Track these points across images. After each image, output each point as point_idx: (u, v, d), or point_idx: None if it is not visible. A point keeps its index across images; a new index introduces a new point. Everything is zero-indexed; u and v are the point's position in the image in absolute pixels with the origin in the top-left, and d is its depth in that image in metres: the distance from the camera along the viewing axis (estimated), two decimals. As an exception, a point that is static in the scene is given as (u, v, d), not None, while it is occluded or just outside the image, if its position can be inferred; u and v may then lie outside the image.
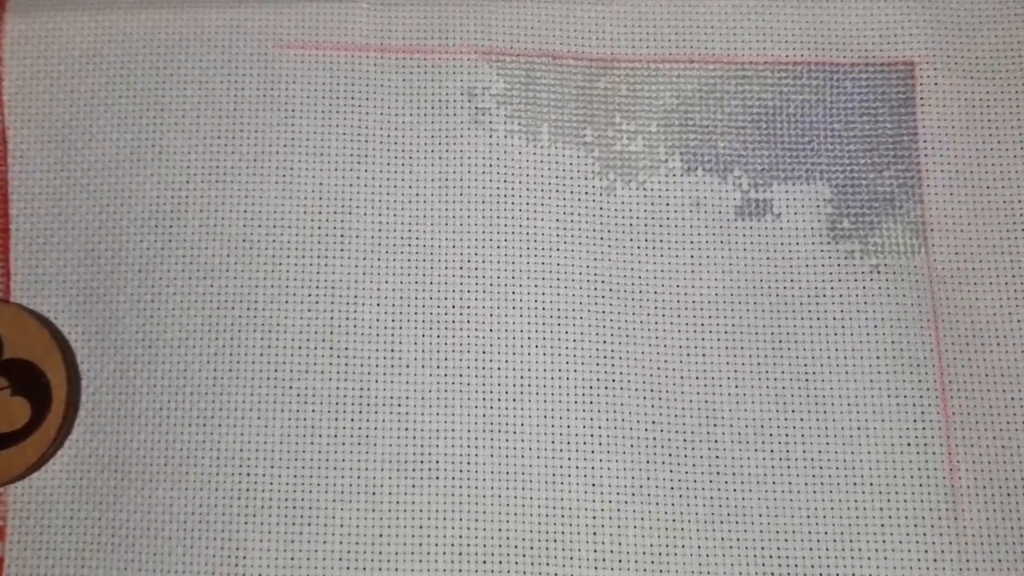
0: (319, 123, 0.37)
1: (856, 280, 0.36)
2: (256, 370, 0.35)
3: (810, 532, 0.34)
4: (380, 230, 0.36)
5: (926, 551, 0.33)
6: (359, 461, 0.34)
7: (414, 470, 0.34)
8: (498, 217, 0.36)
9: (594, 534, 0.34)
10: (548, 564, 0.34)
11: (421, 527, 0.34)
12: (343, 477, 0.34)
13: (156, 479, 0.34)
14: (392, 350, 0.35)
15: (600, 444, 0.34)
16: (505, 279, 0.36)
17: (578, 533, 0.34)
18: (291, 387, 0.35)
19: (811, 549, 0.34)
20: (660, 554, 0.34)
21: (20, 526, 0.35)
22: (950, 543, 0.33)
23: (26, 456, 0.34)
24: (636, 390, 0.35)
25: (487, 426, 0.35)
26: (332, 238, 0.36)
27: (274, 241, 0.36)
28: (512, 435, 0.35)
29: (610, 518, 0.34)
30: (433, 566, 0.34)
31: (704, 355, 0.35)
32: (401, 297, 0.36)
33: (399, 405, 0.35)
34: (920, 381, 0.35)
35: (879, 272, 0.36)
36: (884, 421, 0.34)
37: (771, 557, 0.34)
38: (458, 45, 0.38)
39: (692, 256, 0.36)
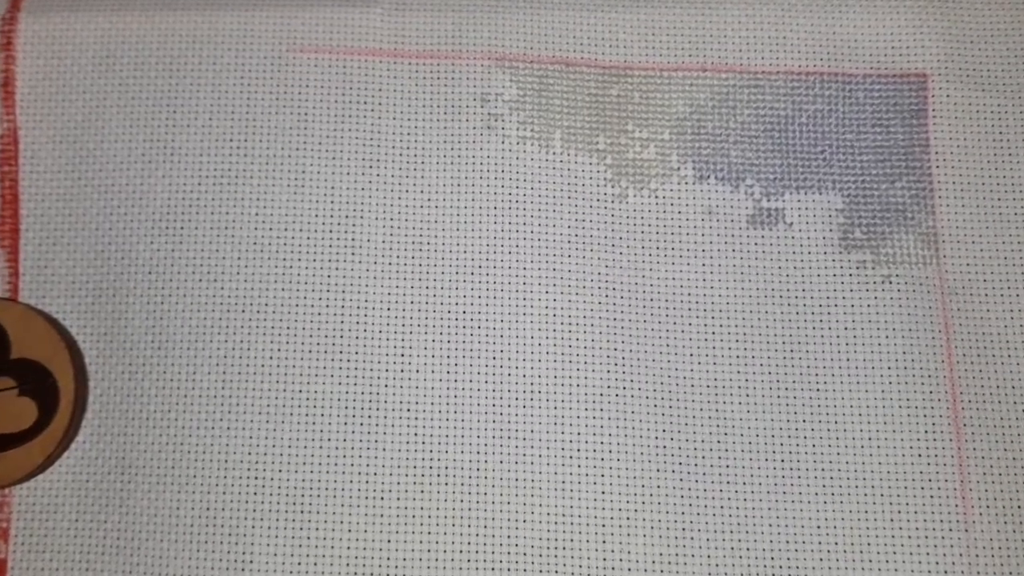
0: (332, 127, 0.37)
1: (868, 290, 0.36)
2: (265, 373, 0.35)
3: (820, 542, 0.34)
4: (391, 234, 0.36)
5: (936, 563, 0.33)
6: (368, 466, 0.34)
7: (423, 476, 0.34)
8: (509, 223, 0.36)
9: (603, 542, 0.34)
10: (557, 572, 0.33)
11: (430, 533, 0.34)
12: (351, 482, 0.34)
13: (163, 482, 0.34)
14: (402, 355, 0.35)
15: (610, 452, 0.34)
16: (516, 285, 0.36)
17: (587, 541, 0.34)
18: (300, 391, 0.35)
19: (821, 559, 0.33)
20: (669, 563, 0.34)
21: (24, 528, 0.34)
22: (960, 555, 0.33)
23: (32, 457, 0.34)
24: (646, 398, 0.35)
25: (497, 432, 0.35)
26: (343, 242, 0.36)
27: (285, 244, 0.36)
28: (522, 442, 0.35)
29: (619, 526, 0.34)
30: (441, 573, 0.34)
31: (715, 363, 0.35)
32: (412, 302, 0.36)
33: (408, 410, 0.35)
34: (931, 392, 0.35)
35: (891, 282, 0.36)
36: (895, 431, 0.34)
37: (781, 567, 0.33)
38: (471, 51, 0.38)
39: (704, 264, 0.36)
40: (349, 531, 0.34)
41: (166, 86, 0.37)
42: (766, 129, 0.37)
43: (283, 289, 0.36)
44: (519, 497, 0.34)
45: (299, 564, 0.34)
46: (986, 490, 0.34)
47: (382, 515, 0.34)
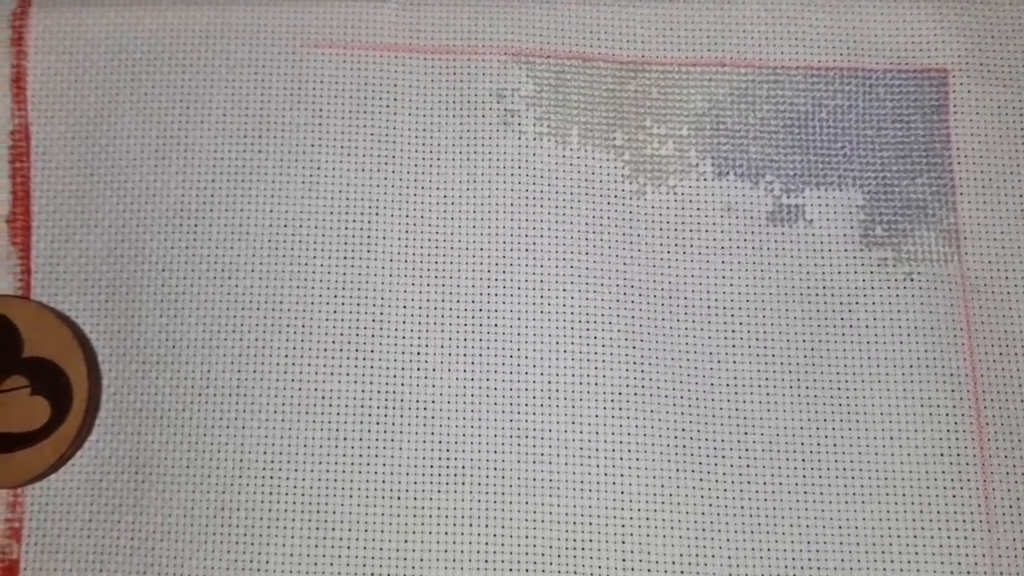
0: (347, 123, 0.37)
1: (889, 288, 0.35)
2: (281, 372, 0.35)
3: (841, 543, 0.33)
4: (407, 231, 0.36)
5: (959, 563, 0.33)
6: (384, 465, 0.34)
7: (440, 475, 0.34)
8: (526, 220, 0.36)
9: (622, 543, 0.33)
10: (575, 573, 0.33)
11: (446, 533, 0.33)
12: (368, 481, 0.34)
13: (177, 482, 0.34)
14: (418, 353, 0.35)
15: (629, 451, 0.34)
16: (533, 283, 0.35)
17: (606, 542, 0.33)
18: (316, 389, 0.35)
19: (842, 560, 0.33)
20: (689, 563, 0.33)
21: (37, 528, 0.34)
22: (983, 555, 0.33)
23: (44, 457, 0.34)
24: (665, 396, 0.34)
25: (514, 431, 0.34)
26: (359, 239, 0.36)
27: (300, 241, 0.36)
28: (539, 441, 0.34)
29: (638, 526, 0.33)
30: (459, 573, 0.33)
31: (735, 362, 0.35)
32: (428, 299, 0.35)
33: (425, 409, 0.34)
34: (953, 390, 0.34)
35: (912, 280, 0.35)
36: (917, 431, 0.34)
37: (802, 568, 0.33)
38: (488, 46, 0.37)
39: (723, 262, 0.36)
40: (365, 531, 0.33)
41: (179, 81, 0.37)
42: (786, 125, 0.37)
43: (298, 287, 0.35)
44: (537, 497, 0.34)
45: (315, 564, 0.33)
46: (1009, 490, 0.33)
47: (399, 515, 0.34)
